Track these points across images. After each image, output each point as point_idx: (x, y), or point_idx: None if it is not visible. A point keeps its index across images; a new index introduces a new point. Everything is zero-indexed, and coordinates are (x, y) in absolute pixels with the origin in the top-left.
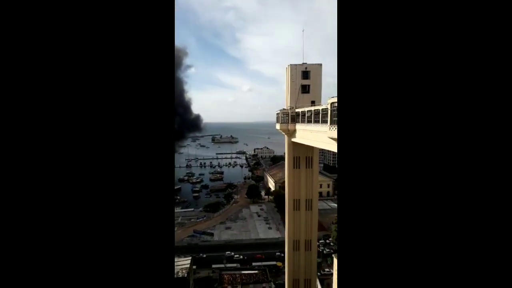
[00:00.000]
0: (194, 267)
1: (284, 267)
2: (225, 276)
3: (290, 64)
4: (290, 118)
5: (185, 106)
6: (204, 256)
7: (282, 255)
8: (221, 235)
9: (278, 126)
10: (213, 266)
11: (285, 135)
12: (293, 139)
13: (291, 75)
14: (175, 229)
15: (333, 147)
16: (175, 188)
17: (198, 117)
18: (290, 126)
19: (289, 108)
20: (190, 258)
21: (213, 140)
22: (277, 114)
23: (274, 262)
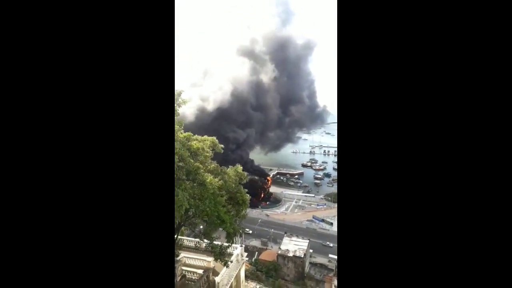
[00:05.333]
0: (311, 251)
1: None
2: None
3: None
4: None
5: (311, 98)
6: (331, 245)
7: None
8: None
9: None
10: (330, 256)
11: None
12: None
13: None
14: (296, 210)
15: None
16: (298, 172)
17: (323, 111)
18: None
19: None
20: (307, 241)
21: None
22: None
23: None
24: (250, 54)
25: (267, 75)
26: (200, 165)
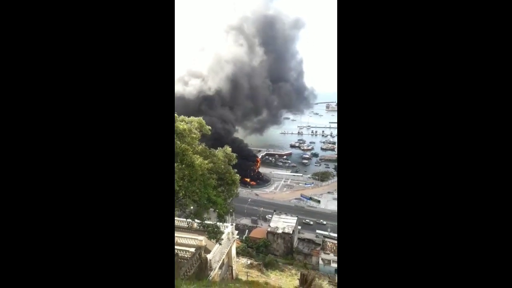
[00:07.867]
0: (299, 227)
1: None
2: (328, 243)
3: None
4: None
5: (298, 79)
6: (324, 223)
7: None
8: (328, 204)
9: None
10: (317, 231)
11: None
12: None
13: None
14: (284, 189)
15: None
16: (287, 153)
17: (310, 93)
18: None
19: None
20: (296, 218)
21: (327, 107)
22: None
23: None
24: (238, 30)
25: (255, 54)
26: (188, 147)
